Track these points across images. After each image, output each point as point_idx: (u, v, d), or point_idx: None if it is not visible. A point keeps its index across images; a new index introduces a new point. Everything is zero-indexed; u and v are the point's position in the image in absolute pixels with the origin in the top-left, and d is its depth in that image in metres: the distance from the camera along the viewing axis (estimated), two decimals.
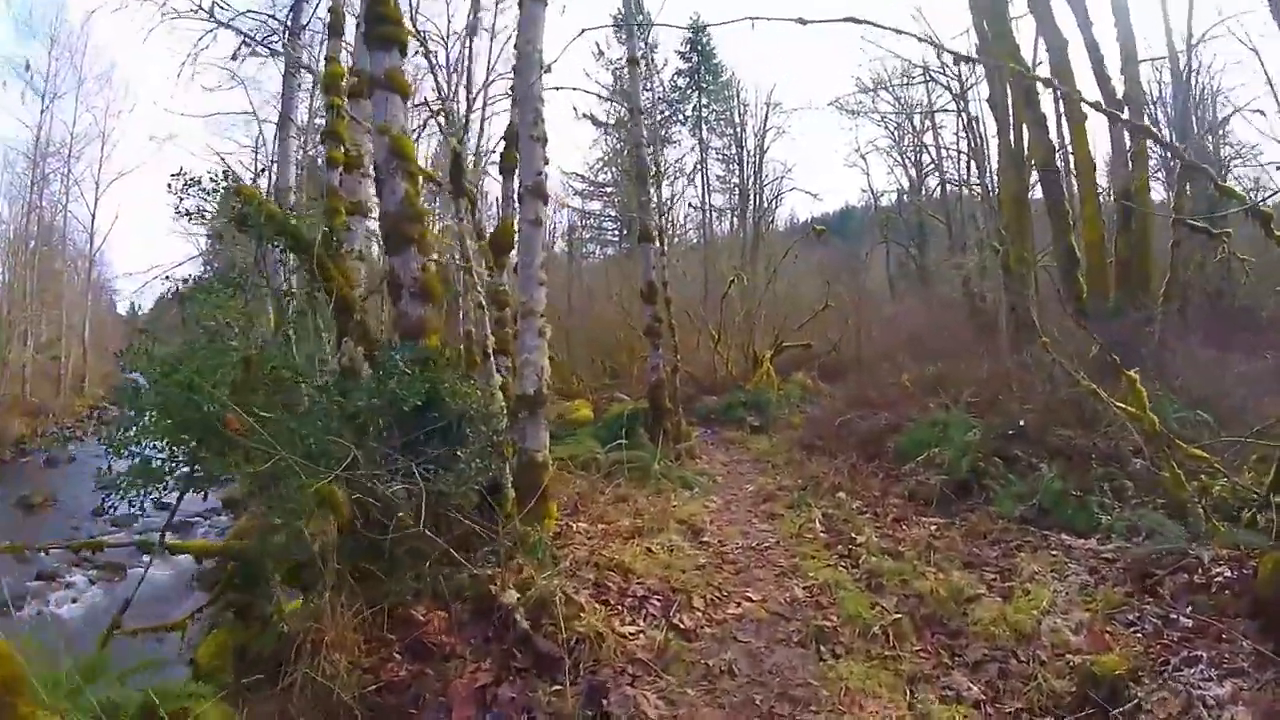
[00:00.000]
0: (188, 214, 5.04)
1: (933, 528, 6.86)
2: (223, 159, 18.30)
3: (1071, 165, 15.78)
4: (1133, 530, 6.63)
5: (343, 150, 6.92)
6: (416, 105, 13.47)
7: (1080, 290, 14.26)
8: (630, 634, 4.29)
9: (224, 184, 5.13)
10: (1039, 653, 4.65)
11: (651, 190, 11.08)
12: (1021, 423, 9.03)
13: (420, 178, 5.43)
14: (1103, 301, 13.80)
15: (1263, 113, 15.86)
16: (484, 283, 6.31)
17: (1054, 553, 6.23)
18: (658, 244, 10.90)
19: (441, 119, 11.91)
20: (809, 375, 16.28)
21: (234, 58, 8.80)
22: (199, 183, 4.94)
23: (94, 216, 30.74)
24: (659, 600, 4.79)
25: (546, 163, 6.21)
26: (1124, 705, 4.07)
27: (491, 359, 5.86)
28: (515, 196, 6.29)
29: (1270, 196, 14.01)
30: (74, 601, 9.33)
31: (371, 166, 5.59)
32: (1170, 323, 14.17)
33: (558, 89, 12.33)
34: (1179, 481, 6.51)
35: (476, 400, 4.82)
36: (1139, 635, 4.87)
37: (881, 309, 22.71)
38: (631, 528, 6.32)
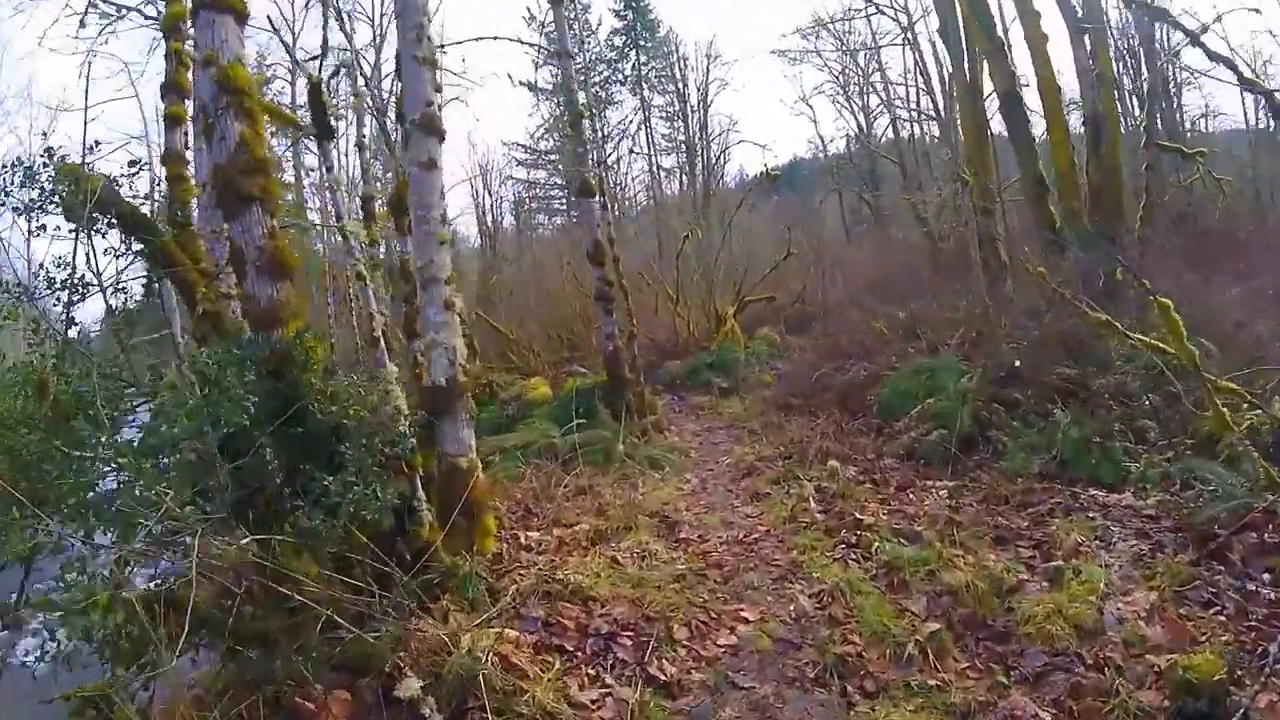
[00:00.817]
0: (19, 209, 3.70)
1: (944, 494, 5.78)
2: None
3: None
4: (1166, 479, 5.68)
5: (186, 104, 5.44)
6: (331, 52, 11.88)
7: (1053, 219, 13.30)
8: (593, 702, 3.10)
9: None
10: (1111, 654, 3.60)
11: (588, 139, 9.70)
12: (1016, 363, 8.01)
13: (265, 118, 4.06)
14: (1077, 229, 12.87)
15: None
16: (364, 248, 4.93)
17: (1090, 514, 5.20)
18: (600, 198, 9.58)
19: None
20: (775, 329, 15.12)
21: (81, 24, 7.19)
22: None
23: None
24: (629, 638, 3.61)
25: (439, 90, 4.89)
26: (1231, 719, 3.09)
27: (383, 345, 4.52)
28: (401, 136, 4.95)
29: None
30: None
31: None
32: (1150, 248, 13.34)
33: (478, 39, 10.88)
34: (1223, 421, 5.49)
35: (354, 404, 3.54)
36: (1221, 618, 3.88)
37: (842, 256, 21.67)
38: (593, 530, 5.14)
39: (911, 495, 5.81)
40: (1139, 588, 4.23)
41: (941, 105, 18.29)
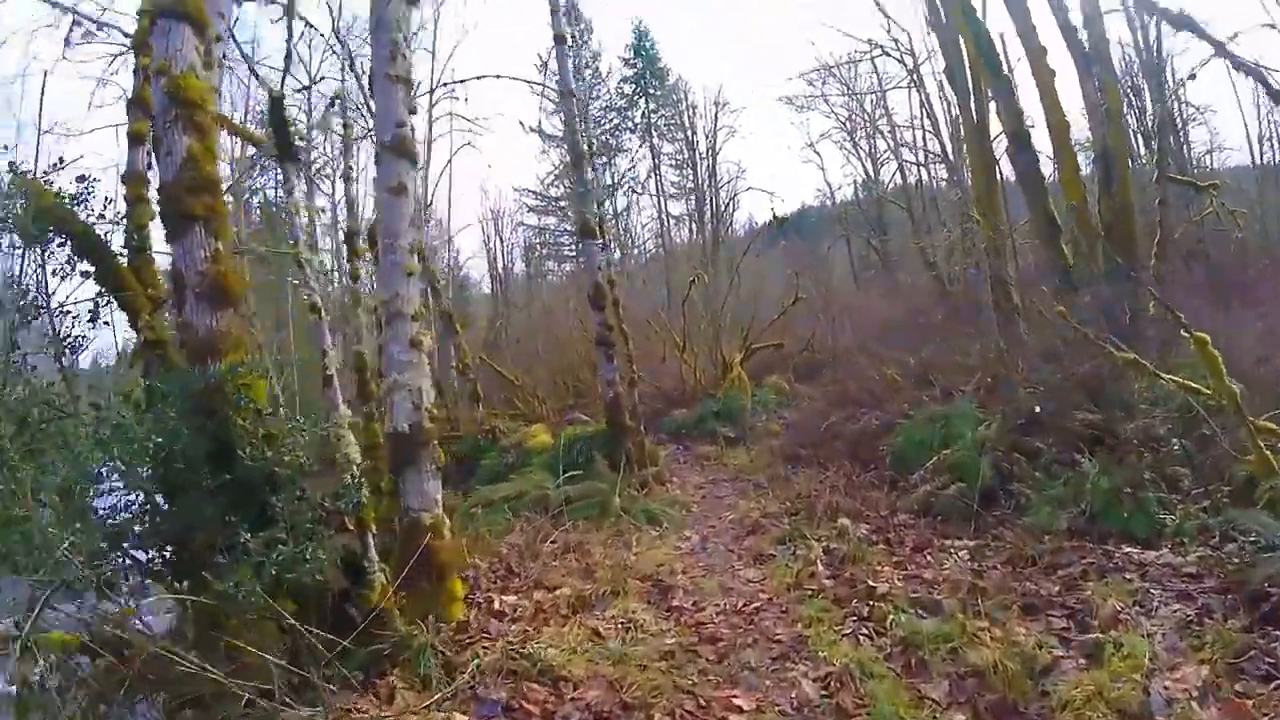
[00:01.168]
0: None
1: (965, 555, 5.24)
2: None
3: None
4: (1204, 532, 5.15)
5: None
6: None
7: (1066, 258, 12.86)
8: None
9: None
10: None
11: (590, 179, 9.42)
12: (1037, 409, 7.51)
13: (220, 134, 3.73)
14: (1091, 268, 12.42)
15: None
16: (317, 276, 4.52)
17: (1127, 575, 4.65)
18: (601, 239, 9.24)
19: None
20: (783, 377, 14.64)
21: (67, 43, 7.00)
22: None
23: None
24: None
25: (413, 113, 4.55)
26: None
27: (335, 386, 4.09)
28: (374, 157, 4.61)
29: None
30: None
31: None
32: (1165, 285, 12.86)
33: (480, 78, 10.77)
34: (1267, 464, 4.98)
35: (292, 451, 3.11)
36: None
37: (851, 302, 21.27)
38: (576, 595, 4.62)
39: (929, 557, 5.27)
40: (1187, 661, 3.69)
41: (949, 147, 18.05)
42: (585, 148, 9.26)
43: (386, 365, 4.24)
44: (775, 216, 13.18)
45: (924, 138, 22.79)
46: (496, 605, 4.49)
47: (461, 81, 14.35)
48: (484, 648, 3.82)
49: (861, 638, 3.91)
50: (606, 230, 30.36)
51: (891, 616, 4.01)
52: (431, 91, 20.15)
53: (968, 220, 17.05)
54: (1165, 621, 4.10)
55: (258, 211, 22.57)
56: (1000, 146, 15.50)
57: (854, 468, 8.39)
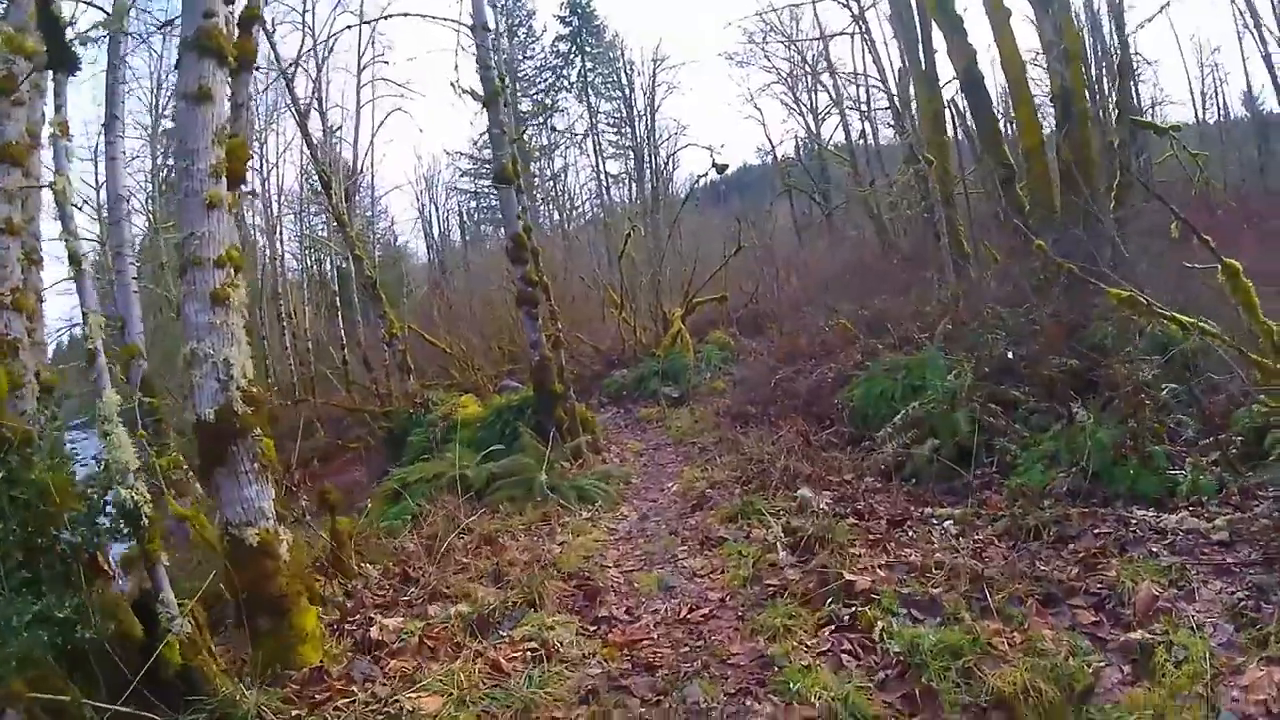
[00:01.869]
0: None
1: (953, 528, 4.29)
2: None
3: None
4: (1224, 490, 4.34)
5: None
6: None
7: (1021, 201, 12.09)
8: None
9: None
10: None
11: (505, 120, 8.10)
12: (1009, 354, 6.65)
13: None
14: (1048, 212, 11.66)
15: None
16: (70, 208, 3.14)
17: (1152, 548, 3.76)
18: (518, 182, 7.96)
19: None
20: (727, 332, 13.60)
21: None
22: None
23: None
24: None
25: (230, 3, 3.26)
26: None
27: (100, 362, 2.78)
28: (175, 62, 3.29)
29: None
30: None
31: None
32: (1127, 229, 12.19)
33: (386, 17, 9.36)
34: None
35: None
36: None
37: (794, 256, 20.37)
38: (476, 613, 3.52)
39: (910, 532, 4.29)
40: (1250, 660, 2.81)
41: (896, 95, 17.05)
42: (499, 84, 7.92)
43: (185, 329, 2.98)
44: (715, 164, 12.01)
45: (867, 91, 21.79)
46: (375, 633, 3.36)
47: (368, 22, 12.71)
48: (337, 709, 2.69)
49: (844, 657, 2.89)
50: (523, 175, 28.96)
51: (881, 625, 3.00)
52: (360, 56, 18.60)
53: (917, 163, 16.23)
54: (1211, 607, 3.21)
55: None
56: (950, 92, 14.66)
57: (809, 425, 7.46)
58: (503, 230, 28.78)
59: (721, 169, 12.02)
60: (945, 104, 14.87)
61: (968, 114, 13.67)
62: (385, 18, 11.21)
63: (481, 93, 8.24)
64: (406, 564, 4.51)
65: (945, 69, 13.73)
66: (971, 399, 5.83)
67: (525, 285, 7.52)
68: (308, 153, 20.28)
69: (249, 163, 3.60)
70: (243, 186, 3.41)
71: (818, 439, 6.95)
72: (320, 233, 24.62)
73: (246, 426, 2.94)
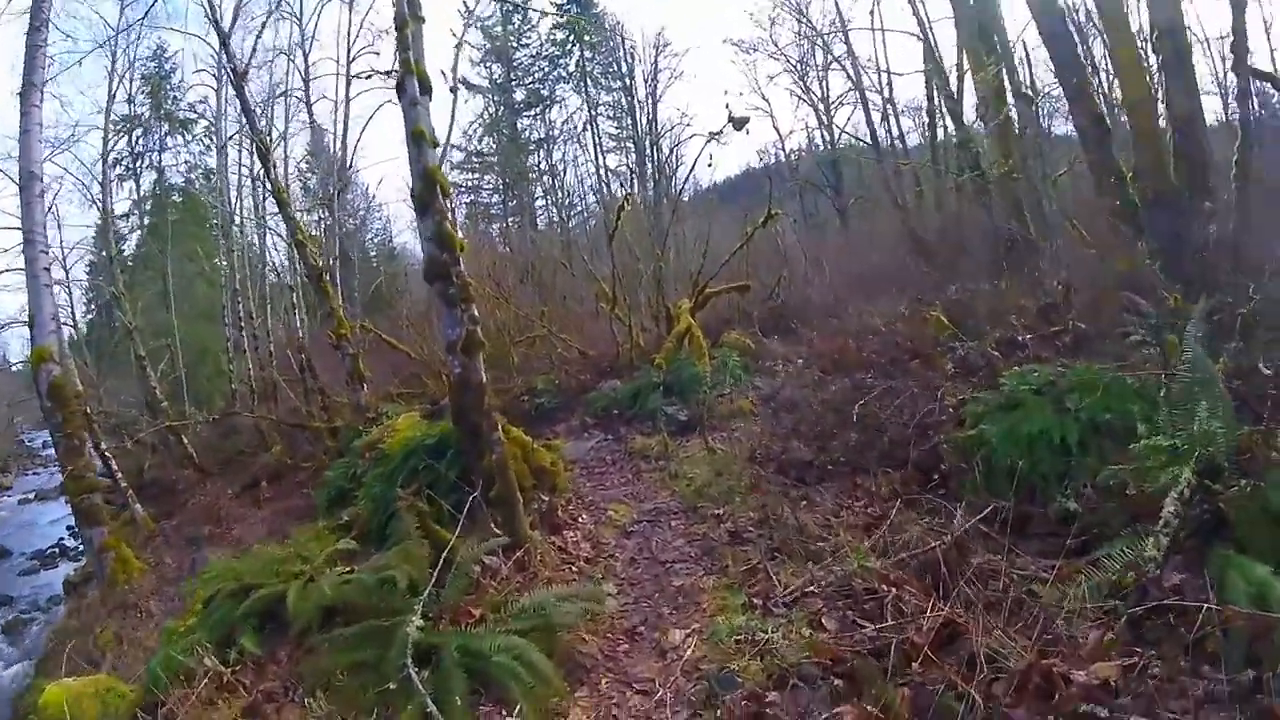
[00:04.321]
0: None
1: None
2: None
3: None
4: None
5: None
6: None
7: (1119, 170, 8.75)
8: None
9: None
10: None
11: (413, 31, 4.74)
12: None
13: None
14: (1158, 183, 8.37)
15: None
16: None
17: None
18: (419, 85, 4.60)
19: None
20: (747, 333, 10.25)
21: None
22: None
23: None
24: None
25: None
26: None
27: None
28: None
29: None
30: None
31: None
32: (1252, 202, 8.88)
33: None
34: None
35: None
36: None
37: (814, 250, 17.00)
38: None
39: None
40: None
41: (942, 59, 13.75)
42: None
43: None
44: (732, 118, 8.74)
45: (889, 77, 18.56)
46: None
47: None
48: None
49: None
50: (519, 168, 25.44)
51: None
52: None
53: (969, 141, 12.97)
54: None
55: None
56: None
57: (904, 483, 4.20)
58: (495, 227, 25.51)
59: (741, 123, 8.73)
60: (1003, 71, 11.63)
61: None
62: None
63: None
64: None
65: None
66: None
67: (435, 250, 4.22)
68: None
69: None
70: None
71: (930, 510, 3.68)
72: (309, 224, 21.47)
73: None
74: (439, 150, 5.23)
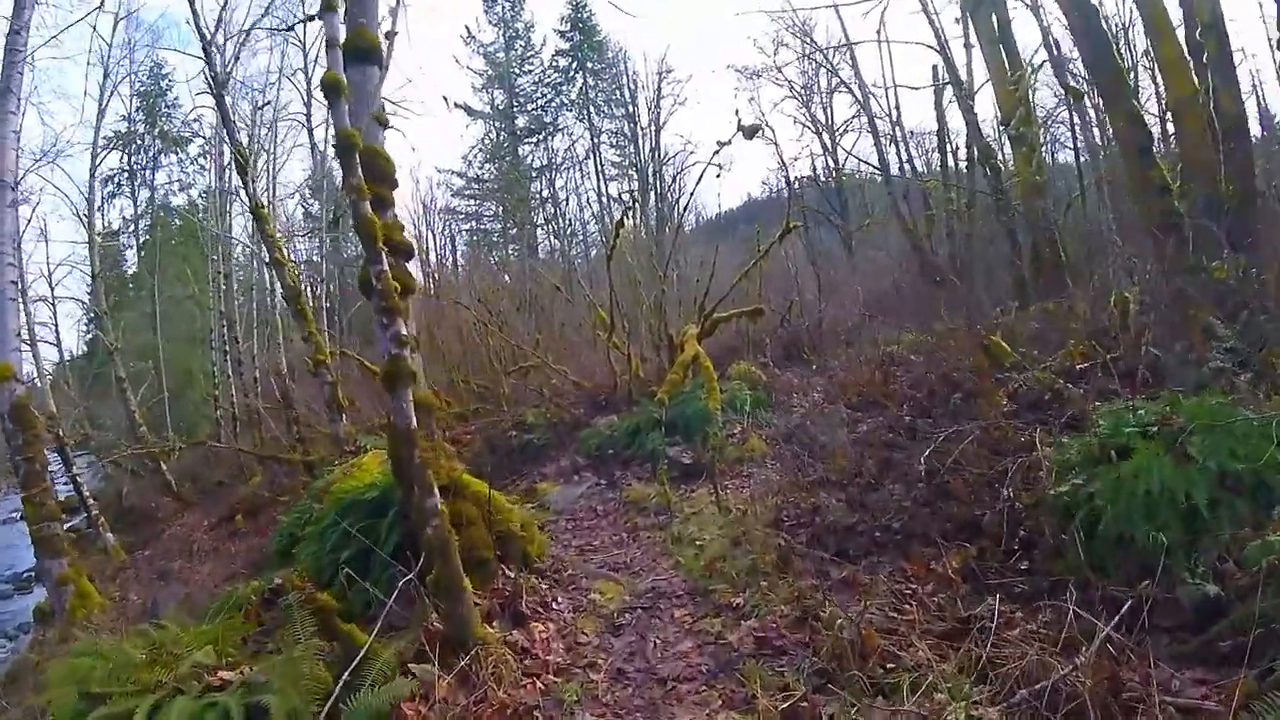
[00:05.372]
0: None
1: None
2: None
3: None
4: None
5: None
6: None
7: (1161, 176, 7.80)
8: None
9: None
10: None
11: None
12: None
13: None
14: (1209, 190, 7.45)
15: None
16: None
17: None
18: (378, 66, 3.60)
19: None
20: (757, 364, 9.19)
21: None
22: None
23: None
24: None
25: None
26: None
27: None
28: None
29: None
30: None
31: None
32: None
33: None
34: None
35: None
36: None
37: (820, 275, 16.02)
38: None
39: None
40: None
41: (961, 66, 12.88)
42: None
43: None
44: (742, 127, 7.83)
45: (896, 97, 17.75)
46: None
47: None
48: None
49: None
50: (519, 195, 24.46)
51: None
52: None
53: (990, 158, 12.04)
54: None
55: None
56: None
57: (980, 556, 3.17)
58: (494, 255, 24.61)
59: (752, 131, 7.84)
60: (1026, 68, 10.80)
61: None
62: None
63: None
64: None
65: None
66: None
67: (376, 250, 3.21)
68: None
69: None
70: None
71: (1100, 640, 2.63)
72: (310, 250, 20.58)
73: None
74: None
